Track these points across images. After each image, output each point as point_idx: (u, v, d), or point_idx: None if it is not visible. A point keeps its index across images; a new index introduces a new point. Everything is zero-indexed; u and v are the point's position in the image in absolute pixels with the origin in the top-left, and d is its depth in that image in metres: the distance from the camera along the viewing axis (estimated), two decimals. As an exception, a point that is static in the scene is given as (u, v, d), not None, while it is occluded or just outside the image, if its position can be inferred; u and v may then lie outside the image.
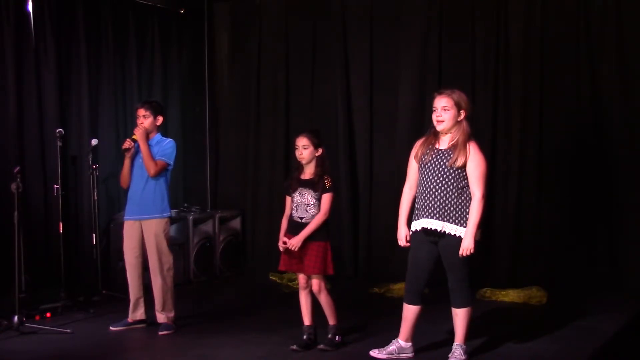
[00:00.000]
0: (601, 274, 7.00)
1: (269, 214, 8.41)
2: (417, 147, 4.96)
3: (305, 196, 5.24)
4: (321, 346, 5.25)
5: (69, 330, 5.74)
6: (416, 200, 4.94)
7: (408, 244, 4.97)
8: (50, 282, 6.75)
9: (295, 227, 5.24)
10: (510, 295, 6.82)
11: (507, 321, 6.15)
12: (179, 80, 8.58)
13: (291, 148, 8.22)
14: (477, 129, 7.34)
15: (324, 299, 5.27)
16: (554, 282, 6.97)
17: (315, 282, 5.23)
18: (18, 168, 5.86)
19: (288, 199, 5.36)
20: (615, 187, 7.03)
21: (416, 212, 4.92)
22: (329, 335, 5.28)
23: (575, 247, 7.14)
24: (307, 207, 5.23)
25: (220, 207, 8.70)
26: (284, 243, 5.25)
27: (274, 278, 7.88)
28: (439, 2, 7.59)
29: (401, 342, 5.03)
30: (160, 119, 5.89)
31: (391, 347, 5.02)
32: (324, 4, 8.22)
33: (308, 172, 5.30)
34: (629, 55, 6.92)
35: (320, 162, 5.29)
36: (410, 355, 5.05)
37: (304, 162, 5.29)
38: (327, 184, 5.23)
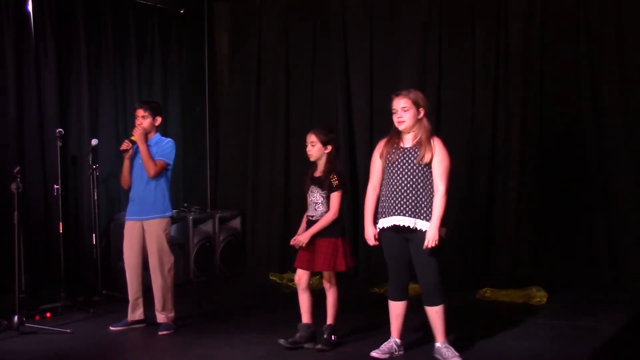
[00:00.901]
0: (601, 274, 7.00)
1: (269, 214, 8.42)
2: (381, 147, 5.00)
3: (315, 194, 5.25)
4: (319, 346, 5.23)
5: (69, 330, 5.74)
6: (382, 198, 4.96)
7: (377, 243, 4.98)
8: (50, 282, 6.75)
9: (309, 225, 5.26)
10: (510, 295, 6.81)
11: (507, 321, 6.14)
12: (179, 80, 8.58)
13: (291, 148, 8.30)
14: (477, 128, 7.43)
15: (331, 297, 5.28)
16: (554, 282, 6.97)
17: (326, 279, 5.25)
18: (18, 168, 5.86)
19: (308, 196, 5.36)
20: (615, 187, 7.02)
21: (383, 210, 4.92)
22: (325, 335, 5.27)
23: (575, 247, 7.14)
24: (316, 205, 5.23)
25: (220, 207, 8.70)
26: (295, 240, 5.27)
27: (274, 278, 7.89)
28: (439, 2, 7.59)
29: (397, 340, 5.06)
30: (159, 120, 5.89)
31: (389, 345, 5.04)
32: (324, 4, 8.22)
33: (319, 170, 5.30)
34: (629, 55, 6.92)
35: (329, 159, 5.27)
36: (402, 352, 5.07)
37: (312, 159, 5.29)
38: (334, 183, 5.20)
